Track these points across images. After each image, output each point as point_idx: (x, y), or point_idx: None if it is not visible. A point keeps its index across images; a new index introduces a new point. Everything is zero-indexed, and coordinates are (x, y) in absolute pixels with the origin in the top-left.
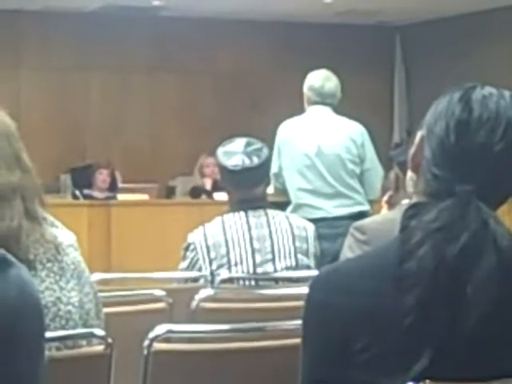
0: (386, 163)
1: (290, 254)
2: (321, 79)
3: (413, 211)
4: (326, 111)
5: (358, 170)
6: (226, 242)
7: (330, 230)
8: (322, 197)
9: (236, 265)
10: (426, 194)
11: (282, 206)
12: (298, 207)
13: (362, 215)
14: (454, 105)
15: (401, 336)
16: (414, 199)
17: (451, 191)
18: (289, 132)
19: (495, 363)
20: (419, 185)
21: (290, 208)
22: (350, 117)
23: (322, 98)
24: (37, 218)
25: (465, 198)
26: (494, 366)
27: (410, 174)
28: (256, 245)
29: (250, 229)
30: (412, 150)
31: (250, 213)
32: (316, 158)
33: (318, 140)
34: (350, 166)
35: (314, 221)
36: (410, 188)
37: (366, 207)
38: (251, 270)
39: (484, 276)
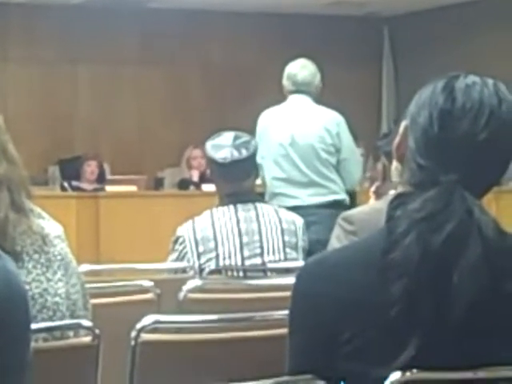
0: (374, 153)
1: (278, 248)
2: (296, 68)
3: (398, 201)
4: (304, 100)
5: (333, 160)
6: (215, 236)
7: (303, 218)
8: (296, 186)
9: (224, 259)
10: (410, 184)
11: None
12: (274, 196)
13: (336, 204)
14: (438, 94)
15: (387, 326)
16: (399, 189)
17: (435, 181)
18: (266, 121)
19: (481, 352)
20: (404, 175)
21: (266, 197)
22: (338, 107)
23: (297, 87)
24: (23, 210)
25: (449, 188)
26: (481, 355)
27: (394, 164)
28: (245, 239)
29: (238, 223)
30: (396, 140)
31: (239, 206)
32: (290, 148)
33: (292, 130)
34: (324, 155)
35: (289, 209)
36: (394, 178)
37: (341, 196)
38: (239, 264)
39: (469, 265)
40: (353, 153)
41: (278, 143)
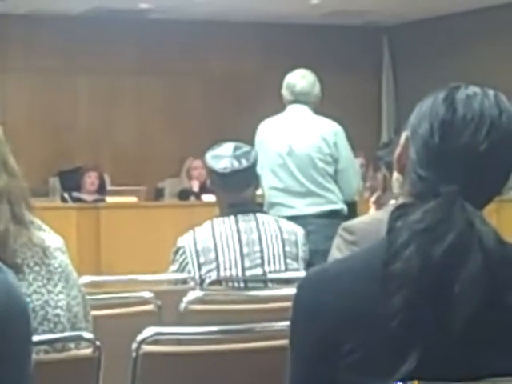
0: (374, 163)
1: (279, 258)
2: (295, 78)
3: (399, 212)
4: (302, 110)
5: (330, 170)
6: (216, 246)
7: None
8: (294, 195)
9: (225, 270)
10: (411, 195)
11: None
12: (271, 206)
13: (333, 214)
14: (438, 105)
15: (389, 337)
16: (400, 200)
17: (436, 192)
18: (265, 131)
19: (482, 363)
20: (405, 186)
21: (264, 207)
22: (338, 117)
23: (295, 97)
24: (24, 222)
25: (450, 199)
26: (482, 366)
27: (395, 174)
28: (245, 250)
29: (239, 233)
30: (397, 151)
31: (240, 217)
32: (287, 157)
33: (290, 139)
34: (321, 164)
35: (286, 219)
36: (395, 189)
37: (338, 206)
38: (240, 275)
39: (470, 276)
40: (351, 163)
41: (276, 153)
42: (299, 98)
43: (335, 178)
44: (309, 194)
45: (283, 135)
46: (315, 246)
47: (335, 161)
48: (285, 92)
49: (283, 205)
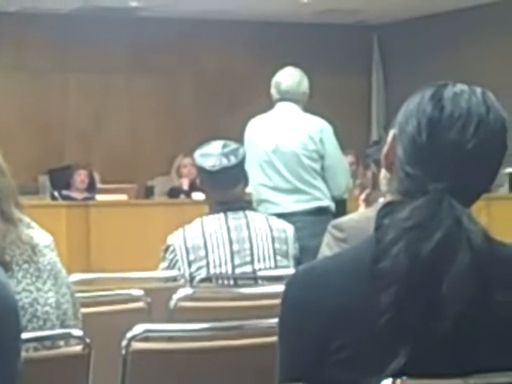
0: (364, 161)
1: (269, 255)
2: (281, 76)
3: (386, 210)
4: (290, 108)
5: (316, 166)
6: (205, 244)
7: None
8: (280, 192)
9: (215, 267)
10: (399, 193)
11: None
12: (260, 203)
13: (320, 211)
14: (426, 103)
15: (377, 334)
16: (388, 198)
17: (424, 189)
18: (253, 129)
19: (471, 359)
20: (393, 183)
21: (253, 204)
22: (328, 115)
23: (281, 95)
24: (12, 220)
25: (437, 196)
26: (470, 362)
27: (383, 172)
28: (235, 247)
29: (229, 231)
30: (385, 149)
31: (230, 215)
32: (273, 155)
33: (277, 137)
34: (307, 161)
35: (273, 216)
36: (383, 187)
37: (324, 203)
38: (230, 272)
39: (458, 274)
40: (338, 159)
41: (263, 150)
42: (285, 96)
43: (323, 174)
44: (295, 190)
45: (270, 133)
46: (301, 242)
47: (321, 157)
48: (272, 90)
49: (270, 202)
